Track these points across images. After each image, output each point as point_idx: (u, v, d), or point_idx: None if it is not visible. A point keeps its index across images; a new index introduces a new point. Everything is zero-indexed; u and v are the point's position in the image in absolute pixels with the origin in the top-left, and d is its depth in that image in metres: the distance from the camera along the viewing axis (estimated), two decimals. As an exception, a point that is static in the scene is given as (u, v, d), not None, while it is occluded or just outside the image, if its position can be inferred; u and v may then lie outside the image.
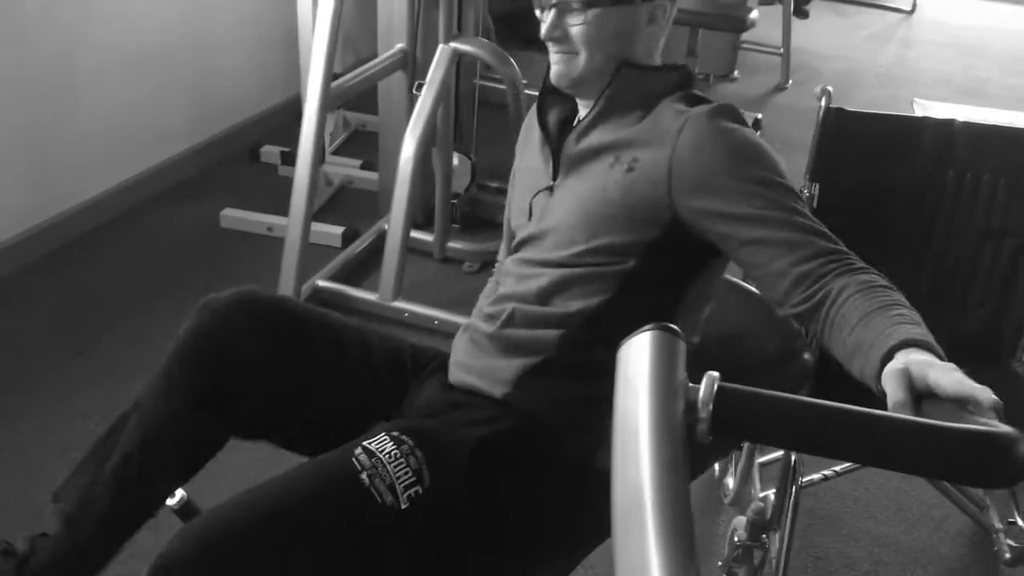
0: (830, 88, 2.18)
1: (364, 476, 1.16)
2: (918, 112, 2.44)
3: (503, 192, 3.56)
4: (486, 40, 3.07)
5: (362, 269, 3.20)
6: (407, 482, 1.17)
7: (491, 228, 3.51)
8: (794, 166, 1.57)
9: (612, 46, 1.36)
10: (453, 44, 2.86)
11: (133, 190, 3.42)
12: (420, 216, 3.31)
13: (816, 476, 2.25)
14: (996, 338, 2.17)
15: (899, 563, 2.25)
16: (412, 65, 3.15)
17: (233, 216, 3.37)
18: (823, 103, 2.16)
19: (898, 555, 2.27)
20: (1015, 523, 2.20)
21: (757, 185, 1.26)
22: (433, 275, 3.24)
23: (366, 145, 3.87)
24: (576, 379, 1.35)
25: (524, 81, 2.99)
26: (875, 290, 1.14)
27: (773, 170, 1.28)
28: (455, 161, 3.29)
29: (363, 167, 3.78)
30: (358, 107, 4.05)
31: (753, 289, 1.85)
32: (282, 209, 3.41)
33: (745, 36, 4.75)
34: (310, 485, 1.17)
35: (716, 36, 4.63)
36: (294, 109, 4.23)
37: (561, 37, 1.36)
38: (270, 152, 3.85)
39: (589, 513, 1.14)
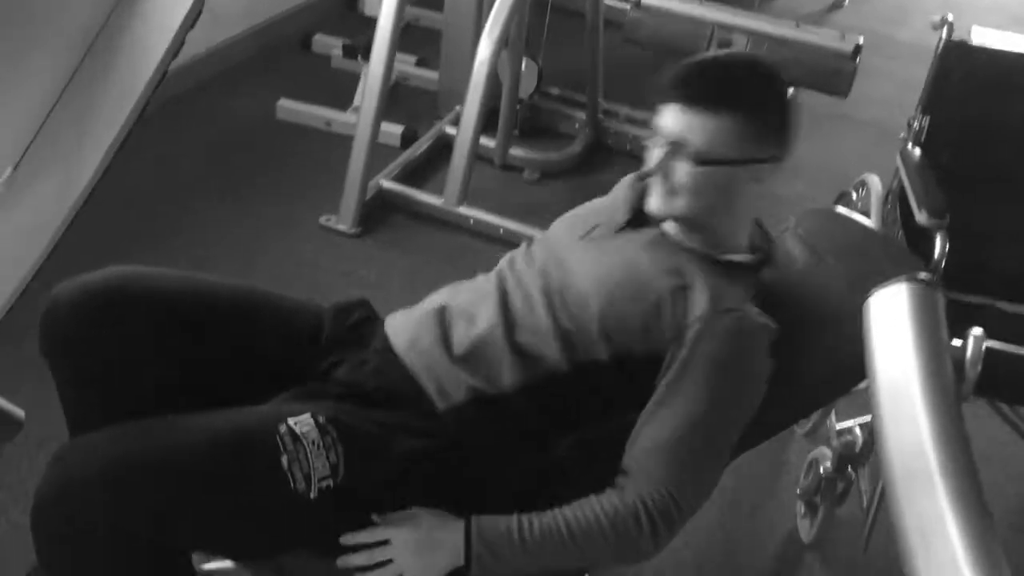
0: (950, 18, 2.10)
1: (284, 460, 1.17)
2: (975, 40, 2.35)
3: (565, 100, 3.52)
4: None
5: (423, 171, 3.14)
6: (322, 474, 1.19)
7: (552, 137, 3.44)
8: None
9: (711, 198, 1.35)
10: (537, -58, 2.74)
11: (191, 72, 3.31)
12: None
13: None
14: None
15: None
16: (486, -39, 3.02)
17: (290, 108, 3.28)
18: (943, 34, 2.09)
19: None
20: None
21: (710, 392, 1.27)
22: (494, 182, 3.18)
23: (419, 41, 3.75)
24: (516, 427, 1.34)
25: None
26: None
27: (728, 391, 1.28)
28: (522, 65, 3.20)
29: (418, 64, 3.67)
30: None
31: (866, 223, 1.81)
32: (337, 102, 3.33)
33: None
34: (229, 451, 1.17)
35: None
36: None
37: (667, 176, 1.35)
38: (322, 42, 3.73)
39: None
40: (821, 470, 1.99)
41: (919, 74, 4.39)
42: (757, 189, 1.39)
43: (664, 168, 1.34)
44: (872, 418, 0.77)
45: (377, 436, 1.25)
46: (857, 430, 2.02)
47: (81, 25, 0.79)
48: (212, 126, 3.22)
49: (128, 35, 0.78)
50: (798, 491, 2.12)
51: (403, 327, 1.40)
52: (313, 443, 1.19)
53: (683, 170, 1.33)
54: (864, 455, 2.03)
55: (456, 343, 1.35)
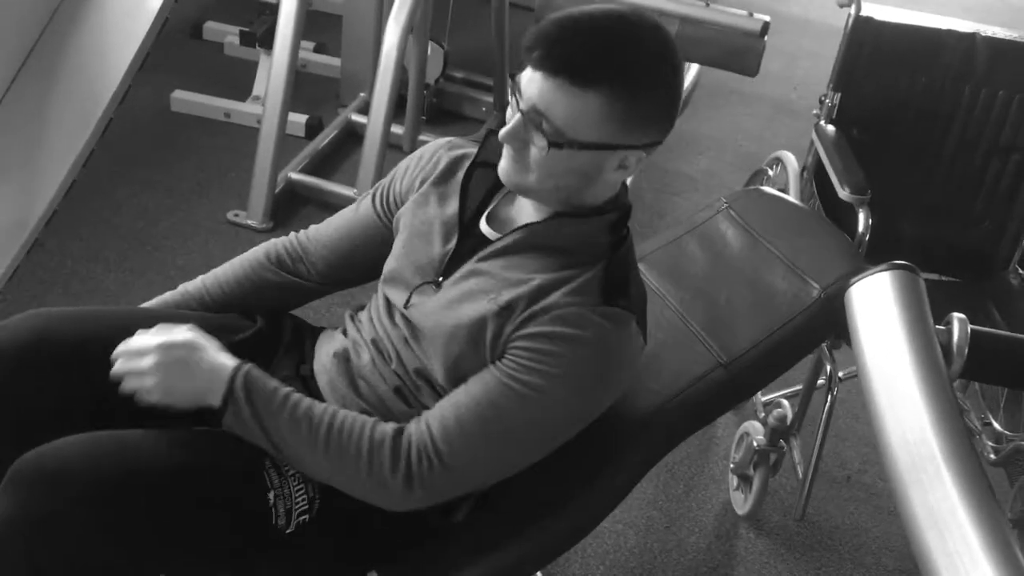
0: (859, -6, 2.15)
1: (271, 495, 1.15)
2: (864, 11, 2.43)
3: (472, 84, 3.48)
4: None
5: (331, 161, 3.06)
6: (301, 508, 1.17)
7: (459, 120, 3.40)
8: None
9: (569, 180, 1.16)
10: (440, -76, 2.69)
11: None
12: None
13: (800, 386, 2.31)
14: (995, 251, 2.25)
15: (886, 462, 2.35)
16: (386, -57, 2.96)
17: (185, 99, 3.14)
18: (852, 11, 2.14)
19: (885, 455, 2.37)
20: (990, 424, 2.34)
21: (541, 366, 1.13)
22: (404, 169, 3.12)
23: (317, 26, 3.64)
24: None
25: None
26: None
27: (550, 396, 1.14)
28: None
29: (317, 50, 3.57)
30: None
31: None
32: (235, 92, 3.21)
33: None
34: (215, 478, 1.14)
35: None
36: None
37: (519, 148, 1.14)
38: (213, 29, 3.58)
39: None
40: (754, 443, 2.03)
41: (807, 47, 4.56)
42: (620, 176, 1.18)
43: (518, 136, 1.12)
44: (869, 410, 0.77)
45: None
46: (785, 402, 2.07)
47: (19, 22, 0.72)
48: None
49: (81, 41, 0.71)
50: (731, 465, 2.16)
51: (322, 368, 1.32)
52: (295, 477, 1.16)
53: (539, 144, 1.11)
54: (795, 427, 2.08)
55: (363, 391, 1.28)
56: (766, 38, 2.37)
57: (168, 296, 1.42)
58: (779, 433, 2.02)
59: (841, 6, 2.17)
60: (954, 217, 2.25)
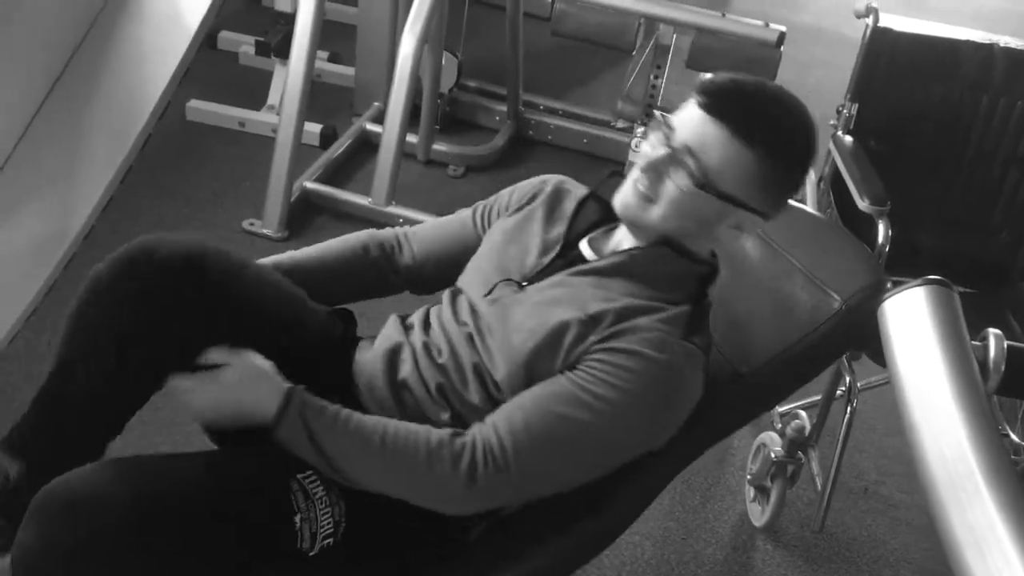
0: (875, 3, 2.15)
1: (297, 519, 1.15)
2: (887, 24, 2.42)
3: (485, 93, 3.49)
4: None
5: (345, 170, 3.07)
6: (326, 532, 1.18)
7: (474, 130, 3.41)
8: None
9: (689, 223, 1.22)
10: (456, -66, 2.69)
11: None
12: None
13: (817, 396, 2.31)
14: (1013, 261, 2.24)
15: (904, 472, 2.35)
16: (401, -46, 2.97)
17: (200, 108, 3.15)
18: (869, 21, 2.13)
19: (902, 465, 2.37)
20: (1007, 435, 2.32)
21: (613, 379, 1.15)
22: (419, 178, 3.13)
23: (331, 36, 3.65)
24: None
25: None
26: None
27: (617, 410, 1.16)
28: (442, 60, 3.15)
29: (331, 59, 3.58)
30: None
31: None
32: (250, 102, 3.22)
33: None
34: (243, 502, 1.14)
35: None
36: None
37: (653, 181, 1.20)
38: (228, 39, 3.59)
39: None
40: (771, 455, 2.02)
41: (819, 56, 4.55)
42: (732, 236, 1.26)
43: (658, 169, 1.19)
44: (905, 427, 0.77)
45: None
46: (803, 413, 2.06)
47: (58, 34, 0.72)
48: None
49: (119, 53, 0.71)
50: (748, 476, 2.15)
51: (361, 370, 1.33)
52: (321, 500, 1.16)
53: (678, 182, 1.18)
54: (813, 438, 2.07)
55: (404, 397, 1.29)
56: (782, 48, 2.37)
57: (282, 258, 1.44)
58: (797, 444, 2.02)
59: (859, 17, 2.17)
60: (972, 228, 2.24)
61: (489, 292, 1.29)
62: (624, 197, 1.24)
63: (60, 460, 1.12)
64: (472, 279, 1.35)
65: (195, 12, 0.62)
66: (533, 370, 1.20)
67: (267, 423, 1.15)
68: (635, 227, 1.26)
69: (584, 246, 1.32)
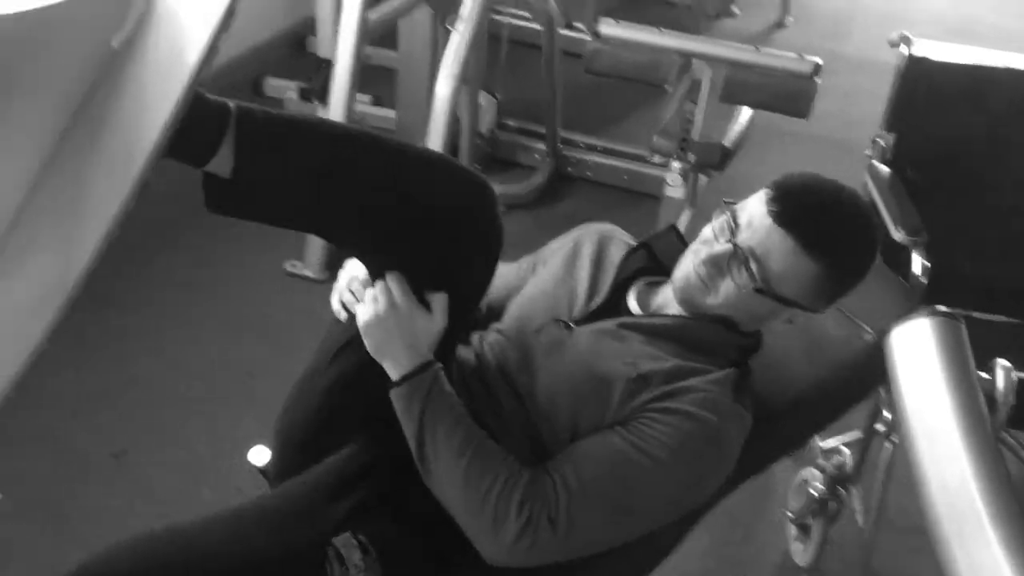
0: (908, 34, 2.13)
1: None
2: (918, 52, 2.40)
3: (524, 132, 3.52)
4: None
5: (387, 211, 3.10)
6: None
7: (514, 169, 3.43)
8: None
9: (742, 316, 1.27)
10: (490, -23, 2.74)
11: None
12: (441, 156, 3.21)
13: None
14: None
15: (954, 511, 2.27)
16: (439, -2, 3.02)
17: (246, 154, 3.22)
18: (904, 51, 2.12)
19: (952, 503, 2.29)
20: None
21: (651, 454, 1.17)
22: (459, 218, 3.15)
23: (374, 80, 3.72)
24: None
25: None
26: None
27: (670, 468, 1.17)
28: (480, 100, 3.19)
29: (375, 103, 3.64)
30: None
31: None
32: (294, 146, 3.28)
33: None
34: (279, 568, 1.15)
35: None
36: (293, 39, 4.07)
37: (713, 274, 1.23)
38: (274, 85, 3.68)
39: None
40: (813, 491, 1.98)
41: (865, 86, 4.51)
42: (778, 327, 1.32)
43: (719, 264, 1.22)
44: (911, 460, 0.75)
45: (412, 553, 1.21)
46: (845, 449, 2.02)
47: (66, 88, 0.75)
48: (166, 175, 3.14)
49: (121, 98, 0.74)
50: (790, 514, 2.11)
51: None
52: (356, 566, 1.16)
53: (738, 281, 1.21)
54: (855, 474, 2.03)
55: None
56: (818, 79, 2.36)
57: None
58: (837, 481, 1.98)
59: (892, 46, 2.15)
60: (1016, 256, 2.19)
61: (539, 329, 1.31)
62: (685, 278, 1.26)
63: None
64: (519, 316, 1.37)
65: (194, 52, 0.64)
66: (577, 414, 1.22)
67: (396, 373, 1.17)
68: (688, 305, 1.29)
69: (632, 301, 1.34)
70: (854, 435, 2.16)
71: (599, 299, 1.34)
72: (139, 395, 2.29)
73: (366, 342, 1.20)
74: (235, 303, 2.61)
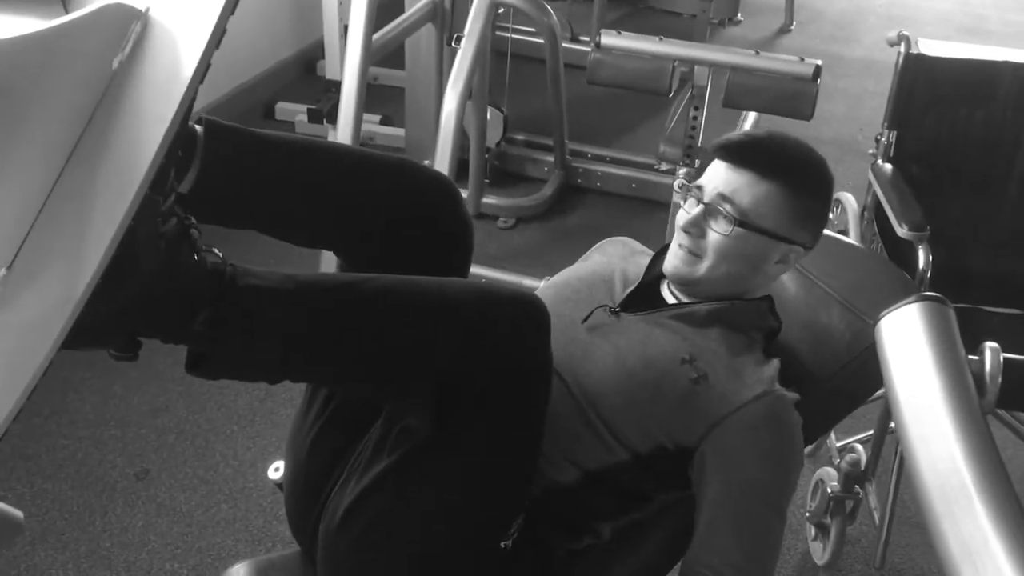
0: (907, 34, 2.14)
1: None
2: (923, 50, 2.42)
3: (532, 145, 3.55)
4: (521, -11, 2.99)
5: (398, 228, 3.13)
6: None
7: (522, 182, 3.46)
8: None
9: (739, 266, 1.31)
10: (492, -6, 2.77)
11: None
12: (450, 172, 3.24)
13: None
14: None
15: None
16: (442, 17, 3.06)
17: (259, 177, 3.27)
18: (902, 49, 2.13)
19: (971, 498, 2.29)
20: None
21: (764, 475, 1.22)
22: (470, 232, 3.18)
23: (382, 99, 3.77)
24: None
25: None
26: None
27: (783, 477, 1.24)
28: (487, 115, 3.22)
29: (383, 122, 3.69)
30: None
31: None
32: (306, 168, 3.32)
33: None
34: None
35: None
36: (303, 64, 4.13)
37: (697, 237, 1.30)
38: (285, 109, 3.74)
39: None
40: (828, 490, 1.99)
41: (871, 88, 4.52)
42: (779, 270, 1.36)
43: (699, 224, 1.29)
44: (899, 443, 0.76)
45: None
46: (859, 447, 2.02)
47: (71, 109, 0.78)
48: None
49: (121, 116, 0.77)
50: (807, 514, 2.11)
51: None
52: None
53: (719, 229, 1.28)
54: (870, 472, 2.03)
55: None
56: (819, 81, 2.37)
57: None
58: (853, 479, 1.98)
59: (891, 45, 2.16)
60: (1021, 250, 2.19)
61: (586, 318, 1.34)
62: (672, 264, 1.33)
63: None
64: (563, 309, 1.36)
65: (188, 69, 0.66)
66: (630, 399, 1.25)
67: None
68: (687, 287, 1.34)
69: (665, 288, 1.39)
70: (869, 433, 2.17)
71: (632, 286, 1.39)
72: (160, 418, 2.33)
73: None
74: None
